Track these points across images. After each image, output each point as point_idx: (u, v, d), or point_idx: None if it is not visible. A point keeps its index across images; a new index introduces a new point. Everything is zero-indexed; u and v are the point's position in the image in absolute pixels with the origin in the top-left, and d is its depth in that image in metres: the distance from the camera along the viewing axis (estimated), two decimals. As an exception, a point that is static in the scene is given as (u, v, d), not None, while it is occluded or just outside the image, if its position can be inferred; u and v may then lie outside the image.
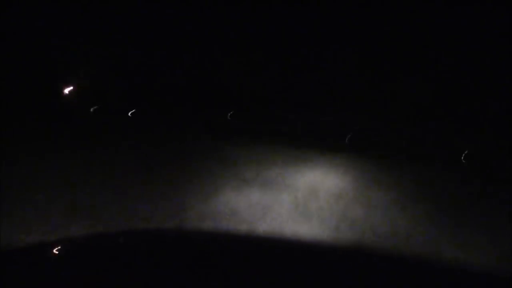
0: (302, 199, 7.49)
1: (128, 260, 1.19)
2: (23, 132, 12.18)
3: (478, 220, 8.20)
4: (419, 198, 10.80)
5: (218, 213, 5.67)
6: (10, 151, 8.74)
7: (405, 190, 11.95)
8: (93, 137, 14.53)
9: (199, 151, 14.42)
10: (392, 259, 1.92)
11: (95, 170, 7.85)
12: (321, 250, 1.81)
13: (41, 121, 17.32)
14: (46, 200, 5.25)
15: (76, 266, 1.14)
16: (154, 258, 1.19)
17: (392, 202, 8.81)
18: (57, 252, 1.24)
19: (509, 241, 6.18)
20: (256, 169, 10.71)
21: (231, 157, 13.34)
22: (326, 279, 1.36)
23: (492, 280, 1.52)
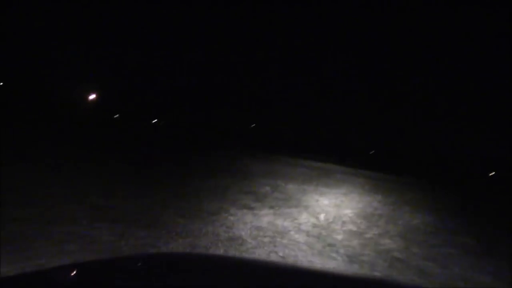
0: (325, 222, 5.90)
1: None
2: (23, 139, 11.21)
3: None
4: (463, 221, 8.96)
5: (215, 240, 4.20)
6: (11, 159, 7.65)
7: (445, 211, 10.12)
8: (93, 146, 13.40)
9: (210, 162, 12.88)
10: None
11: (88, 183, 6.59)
12: None
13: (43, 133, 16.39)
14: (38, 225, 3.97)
15: None
16: None
17: (435, 228, 7.08)
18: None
19: None
20: (272, 184, 9.18)
21: (246, 170, 11.87)
22: None
23: None
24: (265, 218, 5.54)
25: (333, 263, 4.01)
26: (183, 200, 5.93)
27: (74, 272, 1.21)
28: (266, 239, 4.49)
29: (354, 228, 5.77)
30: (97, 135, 17.76)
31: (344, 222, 6.10)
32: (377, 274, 3.89)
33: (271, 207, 6.37)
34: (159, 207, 5.21)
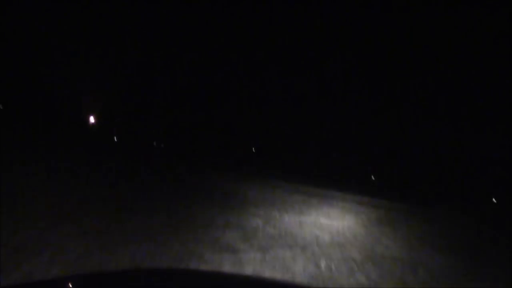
0: (326, 271, 4.57)
1: None
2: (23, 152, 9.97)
3: None
4: (488, 261, 7.56)
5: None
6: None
7: (465, 248, 8.74)
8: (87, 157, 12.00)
9: (198, 186, 11.27)
10: None
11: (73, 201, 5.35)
12: None
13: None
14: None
15: None
16: None
17: (462, 275, 5.71)
18: None
19: None
20: (265, 216, 7.85)
21: (238, 197, 10.55)
22: None
23: None
24: (250, 266, 4.23)
25: None
26: (148, 240, 4.63)
27: (73, 284, 1.19)
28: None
29: (364, 280, 4.43)
30: (93, 152, 16.54)
31: (351, 270, 4.76)
32: None
33: (260, 249, 5.05)
34: (109, 252, 3.91)
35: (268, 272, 4.09)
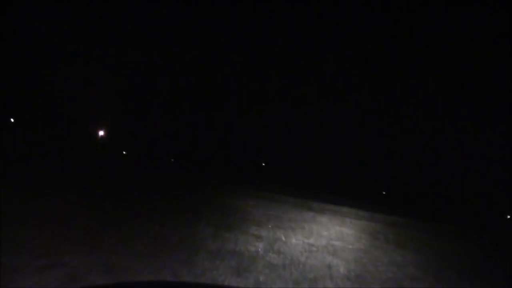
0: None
1: None
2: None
3: None
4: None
5: None
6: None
7: (492, 273, 7.43)
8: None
9: (195, 201, 9.97)
10: None
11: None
12: None
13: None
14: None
15: None
16: None
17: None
18: None
19: None
20: (269, 238, 6.67)
21: (237, 214, 9.34)
22: None
23: None
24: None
25: None
26: (113, 270, 3.53)
27: None
28: None
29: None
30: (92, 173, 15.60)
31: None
32: None
33: (257, 285, 3.89)
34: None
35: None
